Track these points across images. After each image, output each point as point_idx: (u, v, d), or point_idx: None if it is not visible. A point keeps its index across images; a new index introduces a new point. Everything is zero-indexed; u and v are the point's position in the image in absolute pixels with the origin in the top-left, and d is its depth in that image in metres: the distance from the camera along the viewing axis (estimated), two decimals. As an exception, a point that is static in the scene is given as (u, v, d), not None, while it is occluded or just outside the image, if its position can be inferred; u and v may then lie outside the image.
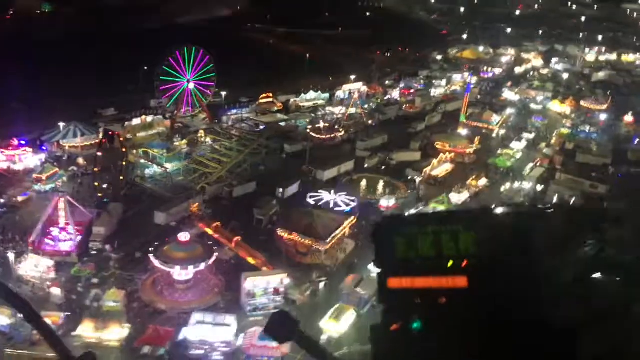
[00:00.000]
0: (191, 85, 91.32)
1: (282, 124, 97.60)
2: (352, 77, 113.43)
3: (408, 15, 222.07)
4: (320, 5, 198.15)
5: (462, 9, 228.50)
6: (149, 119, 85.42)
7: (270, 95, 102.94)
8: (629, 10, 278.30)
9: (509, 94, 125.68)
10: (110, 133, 69.78)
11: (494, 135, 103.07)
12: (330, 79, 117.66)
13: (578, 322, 2.43)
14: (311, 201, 70.25)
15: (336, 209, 69.72)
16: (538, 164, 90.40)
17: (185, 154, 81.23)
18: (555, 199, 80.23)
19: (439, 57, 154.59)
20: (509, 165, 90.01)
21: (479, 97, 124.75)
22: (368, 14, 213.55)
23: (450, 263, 2.64)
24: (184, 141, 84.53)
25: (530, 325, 2.42)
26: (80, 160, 73.34)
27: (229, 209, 69.74)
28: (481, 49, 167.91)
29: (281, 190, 72.50)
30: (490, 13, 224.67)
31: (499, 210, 2.83)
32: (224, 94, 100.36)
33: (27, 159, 71.58)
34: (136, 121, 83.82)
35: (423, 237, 2.75)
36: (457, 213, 3.03)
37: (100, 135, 74.66)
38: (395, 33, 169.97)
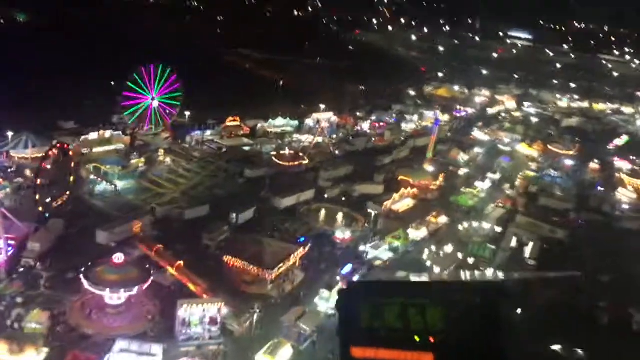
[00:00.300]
0: (155, 103, 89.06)
1: (246, 148, 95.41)
2: (322, 106, 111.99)
3: (388, 51, 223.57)
4: (302, 35, 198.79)
5: (441, 48, 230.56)
6: (107, 134, 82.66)
7: (237, 118, 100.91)
8: (604, 61, 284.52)
9: (479, 134, 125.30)
10: (60, 145, 66.83)
11: (460, 173, 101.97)
12: (302, 106, 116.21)
13: None
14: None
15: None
16: (500, 205, 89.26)
17: (140, 173, 78.37)
18: (513, 242, 78.90)
19: (412, 93, 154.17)
20: (470, 204, 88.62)
21: (449, 134, 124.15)
22: (351, 47, 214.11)
23: (417, 338, 2.58)
24: (142, 159, 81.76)
25: None
26: (28, 172, 70.04)
27: (178, 232, 67.00)
28: (456, 88, 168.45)
29: (234, 215, 69.95)
30: (469, 55, 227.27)
31: (467, 283, 2.38)
32: (188, 113, 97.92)
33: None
34: (93, 135, 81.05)
35: (389, 308, 2.68)
36: (425, 285, 2.50)
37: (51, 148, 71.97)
38: (373, 67, 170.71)
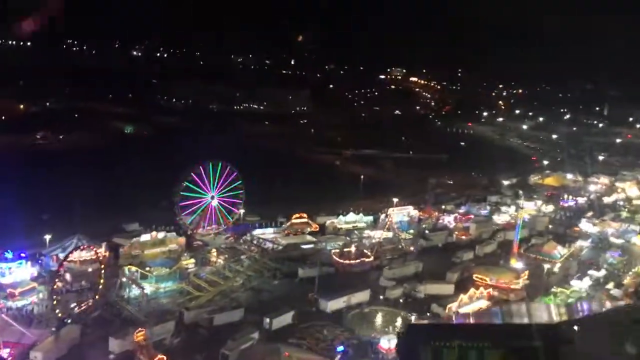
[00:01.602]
0: (214, 202, 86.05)
1: (307, 246, 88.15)
2: (395, 199, 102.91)
3: (500, 141, 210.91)
4: (403, 131, 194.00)
5: (554, 136, 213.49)
6: (161, 235, 79.90)
7: (304, 215, 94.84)
8: None
9: (585, 225, 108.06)
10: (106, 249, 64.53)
11: (555, 270, 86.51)
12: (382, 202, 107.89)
13: None
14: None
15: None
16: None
17: (185, 275, 73.68)
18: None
19: (511, 182, 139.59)
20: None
21: (550, 226, 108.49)
22: (462, 143, 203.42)
23: None
24: (191, 260, 77.57)
25: None
26: (68, 276, 67.87)
27: (203, 340, 60.18)
28: (569, 176, 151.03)
29: (267, 320, 62.02)
30: (589, 142, 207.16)
31: (527, 326, 2.28)
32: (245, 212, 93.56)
33: (17, 271, 67.36)
34: (145, 237, 78.49)
35: (449, 351, 2.31)
36: (485, 327, 2.42)
37: (101, 250, 70.32)
38: (477, 158, 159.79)
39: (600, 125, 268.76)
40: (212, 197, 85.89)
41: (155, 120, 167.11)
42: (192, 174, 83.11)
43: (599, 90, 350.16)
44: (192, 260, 77.81)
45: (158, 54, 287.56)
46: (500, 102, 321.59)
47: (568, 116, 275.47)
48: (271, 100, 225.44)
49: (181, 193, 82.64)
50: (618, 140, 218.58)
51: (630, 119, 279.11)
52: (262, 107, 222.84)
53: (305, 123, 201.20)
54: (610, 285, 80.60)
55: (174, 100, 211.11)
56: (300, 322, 64.65)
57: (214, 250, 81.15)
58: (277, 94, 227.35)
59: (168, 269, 72.89)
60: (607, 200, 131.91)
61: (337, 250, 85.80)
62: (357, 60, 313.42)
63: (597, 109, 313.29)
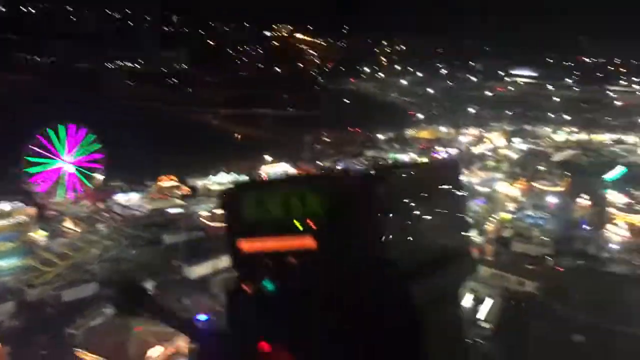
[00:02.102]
0: (70, 168, 78.54)
1: (175, 210, 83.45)
2: (268, 157, 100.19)
3: (379, 97, 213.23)
4: (285, 88, 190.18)
5: (431, 91, 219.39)
6: (5, 206, 71.76)
7: (173, 177, 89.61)
8: (609, 91, 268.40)
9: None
10: None
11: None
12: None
13: (413, 271, 2.58)
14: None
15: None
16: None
17: (34, 249, 66.76)
18: (468, 301, 64.28)
19: (388, 137, 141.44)
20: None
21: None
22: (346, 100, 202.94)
23: (298, 224, 2.59)
24: (43, 232, 70.46)
25: (374, 281, 2.51)
26: None
27: (49, 319, 54.61)
28: (443, 129, 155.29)
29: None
30: (463, 96, 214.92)
31: (348, 172, 2.94)
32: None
33: None
34: (-13, 209, 70.25)
35: (272, 200, 2.64)
36: (307, 176, 3.27)
37: None
38: (359, 113, 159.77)
39: (474, 79, 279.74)
40: (67, 162, 78.29)
41: (12, 80, 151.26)
42: (43, 137, 74.88)
43: (475, 46, 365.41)
44: (44, 233, 70.68)
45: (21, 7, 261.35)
46: (383, 58, 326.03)
47: (445, 71, 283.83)
48: (148, 58, 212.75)
49: (31, 159, 74.47)
50: (488, 94, 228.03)
51: (501, 72, 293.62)
52: (138, 66, 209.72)
53: (183, 81, 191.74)
54: (473, 233, 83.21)
55: (38, 58, 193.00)
56: (162, 292, 60.70)
57: (69, 220, 74.26)
58: (153, 52, 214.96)
59: (12, 243, 65.62)
60: (475, 150, 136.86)
61: (208, 214, 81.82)
62: (241, 16, 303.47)
63: (472, 63, 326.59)
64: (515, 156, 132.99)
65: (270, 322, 2.57)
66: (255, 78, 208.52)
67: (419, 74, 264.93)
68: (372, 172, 2.76)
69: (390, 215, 2.49)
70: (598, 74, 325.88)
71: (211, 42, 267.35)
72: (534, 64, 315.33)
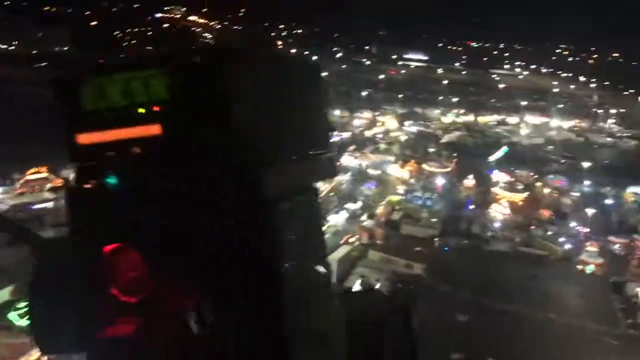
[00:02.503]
0: None
1: (42, 205, 76.16)
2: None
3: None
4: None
5: (326, 74, 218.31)
6: None
7: (42, 169, 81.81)
8: (494, 75, 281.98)
9: (347, 159, 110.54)
10: None
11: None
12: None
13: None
14: None
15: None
16: (350, 241, 73.86)
17: None
18: (357, 286, 63.55)
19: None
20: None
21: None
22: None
23: (142, 110, 2.18)
24: None
25: (222, 168, 2.13)
26: None
27: None
28: (337, 112, 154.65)
29: (-26, 301, 50.78)
30: (358, 79, 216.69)
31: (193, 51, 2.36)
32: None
33: None
34: None
35: (111, 86, 2.21)
36: (150, 55, 2.49)
37: None
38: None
39: (368, 62, 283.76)
40: None
41: None
42: None
43: (370, 30, 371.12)
44: None
45: None
46: (279, 42, 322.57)
47: (340, 55, 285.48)
48: (23, 38, 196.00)
49: None
50: (381, 77, 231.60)
51: (394, 56, 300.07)
52: (10, 47, 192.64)
53: (60, 64, 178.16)
54: (364, 217, 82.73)
55: None
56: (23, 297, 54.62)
57: None
58: (31, 31, 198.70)
59: None
60: (368, 133, 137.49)
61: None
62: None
63: (367, 47, 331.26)
64: (406, 138, 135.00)
65: (115, 220, 2.17)
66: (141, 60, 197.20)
67: (314, 58, 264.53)
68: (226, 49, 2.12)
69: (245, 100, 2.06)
70: (484, 58, 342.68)
71: (95, 23, 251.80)
72: (425, 48, 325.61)
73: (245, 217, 2.09)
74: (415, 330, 2.68)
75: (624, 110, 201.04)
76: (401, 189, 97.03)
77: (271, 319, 2.16)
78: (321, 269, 2.42)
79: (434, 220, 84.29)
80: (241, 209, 2.09)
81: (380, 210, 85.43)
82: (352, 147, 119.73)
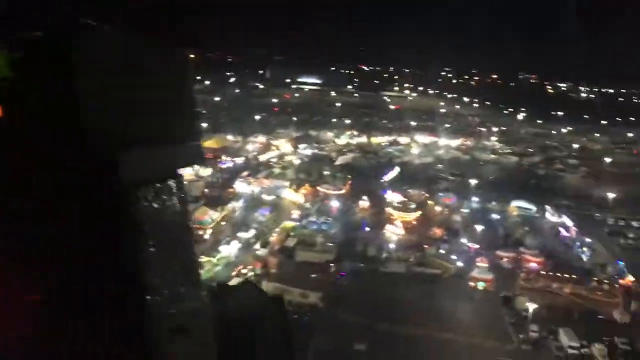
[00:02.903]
0: None
1: None
2: None
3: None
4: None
5: (217, 99, 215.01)
6: None
7: None
8: (385, 97, 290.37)
9: (240, 185, 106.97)
10: None
11: (205, 237, 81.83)
12: None
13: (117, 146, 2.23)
14: None
15: None
16: (242, 272, 70.23)
17: None
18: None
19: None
20: (208, 277, 68.27)
21: (205, 191, 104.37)
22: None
23: None
24: None
25: (67, 151, 2.17)
26: None
27: None
28: (230, 137, 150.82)
29: None
30: (252, 103, 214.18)
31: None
32: None
33: None
34: None
35: None
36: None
37: None
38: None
39: (262, 87, 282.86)
40: None
41: None
42: None
43: (264, 55, 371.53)
44: None
45: None
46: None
47: (233, 79, 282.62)
48: None
49: None
50: (275, 100, 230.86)
51: (288, 80, 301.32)
52: None
53: None
54: (257, 246, 79.36)
55: None
56: None
57: None
58: None
59: None
60: (262, 158, 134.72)
61: None
62: None
63: (261, 72, 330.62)
64: (300, 162, 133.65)
65: None
66: None
67: (207, 82, 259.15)
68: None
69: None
70: (375, 81, 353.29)
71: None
72: (318, 72, 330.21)
73: (98, 204, 1.98)
74: (289, 320, 2.90)
75: (504, 128, 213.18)
76: (296, 213, 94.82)
77: (132, 315, 2.13)
78: (189, 257, 2.46)
79: (329, 244, 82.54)
80: (91, 195, 1.98)
81: (274, 237, 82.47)
82: (245, 173, 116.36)
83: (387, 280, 73.09)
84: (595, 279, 77.11)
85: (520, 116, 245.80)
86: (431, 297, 69.21)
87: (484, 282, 74.13)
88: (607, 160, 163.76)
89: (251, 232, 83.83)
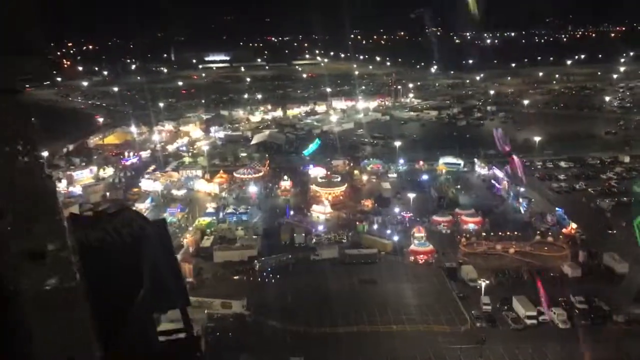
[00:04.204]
0: None
1: None
2: None
3: (62, 104, 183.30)
4: None
5: (120, 89, 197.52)
6: None
7: None
8: (297, 66, 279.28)
9: (146, 184, 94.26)
10: None
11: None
12: None
13: None
14: None
15: None
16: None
17: None
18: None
19: (67, 150, 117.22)
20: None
21: (108, 194, 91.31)
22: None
23: None
24: None
25: None
26: None
27: None
28: (134, 129, 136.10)
29: None
30: (157, 89, 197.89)
31: None
32: None
33: None
34: None
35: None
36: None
37: None
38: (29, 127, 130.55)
39: (166, 70, 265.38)
40: None
41: None
42: None
43: (167, 37, 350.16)
44: None
45: None
46: (65, 60, 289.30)
47: (134, 67, 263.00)
48: None
49: None
50: (181, 83, 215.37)
51: (194, 60, 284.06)
52: None
53: None
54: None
55: None
56: None
57: None
58: None
59: None
60: (170, 148, 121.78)
61: None
62: None
63: (164, 55, 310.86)
64: (213, 146, 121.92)
65: None
66: None
67: (105, 73, 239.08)
68: None
69: None
70: (285, 51, 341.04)
71: None
72: (226, 49, 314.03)
73: None
74: (170, 240, 2.77)
75: (419, 83, 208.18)
76: (212, 206, 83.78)
77: None
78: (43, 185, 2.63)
79: (252, 237, 72.63)
80: None
81: (188, 238, 71.40)
82: (151, 168, 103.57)
83: (319, 269, 64.16)
84: (538, 232, 71.33)
85: (433, 69, 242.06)
86: (371, 284, 61.07)
87: (423, 255, 66.59)
88: (524, 102, 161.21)
89: (161, 237, 72.20)
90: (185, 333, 3.40)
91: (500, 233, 70.46)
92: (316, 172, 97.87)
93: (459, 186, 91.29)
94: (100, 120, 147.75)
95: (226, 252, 67.58)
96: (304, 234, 72.89)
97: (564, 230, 72.22)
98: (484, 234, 70.80)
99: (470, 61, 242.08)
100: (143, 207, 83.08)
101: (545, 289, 56.31)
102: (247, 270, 64.41)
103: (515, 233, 70.14)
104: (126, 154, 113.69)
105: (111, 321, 2.75)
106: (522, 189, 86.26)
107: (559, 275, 61.71)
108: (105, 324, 2.75)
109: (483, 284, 57.26)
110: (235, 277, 63.66)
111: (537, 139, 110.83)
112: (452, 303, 56.81)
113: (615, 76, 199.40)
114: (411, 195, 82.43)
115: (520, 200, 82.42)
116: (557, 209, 77.65)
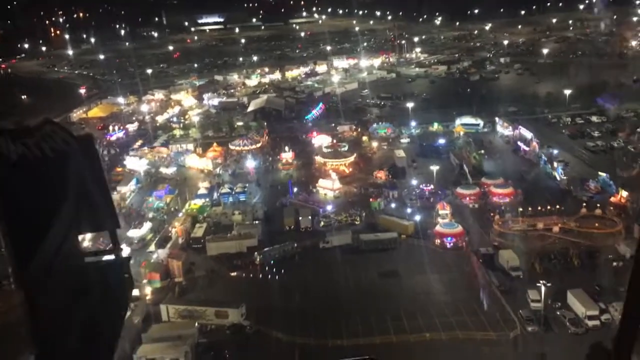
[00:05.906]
0: None
1: None
2: None
3: (47, 75, 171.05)
4: None
5: (107, 57, 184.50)
6: None
7: None
8: (294, 24, 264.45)
9: (132, 161, 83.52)
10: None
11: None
12: None
13: None
14: None
15: None
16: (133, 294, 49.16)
17: None
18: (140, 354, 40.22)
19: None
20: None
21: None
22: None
23: None
24: None
25: None
26: None
27: None
28: (121, 100, 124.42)
29: None
30: (147, 56, 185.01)
31: None
32: None
33: None
34: None
35: None
36: None
37: None
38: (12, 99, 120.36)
39: (156, 35, 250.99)
40: None
41: None
42: None
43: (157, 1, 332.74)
44: None
45: None
46: (53, 29, 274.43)
47: (123, 32, 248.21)
48: None
49: None
50: (171, 48, 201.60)
51: (186, 23, 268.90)
52: None
53: None
54: (153, 247, 57.81)
55: None
56: None
57: None
58: None
59: None
60: (160, 119, 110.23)
61: None
62: None
63: (156, 18, 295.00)
64: (207, 116, 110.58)
65: None
66: None
67: (92, 40, 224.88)
68: None
69: None
70: (281, 9, 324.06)
71: None
72: (219, 10, 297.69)
73: None
74: (98, 158, 2.95)
75: (424, 37, 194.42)
76: (204, 186, 73.05)
77: None
78: None
79: (250, 223, 62.33)
80: None
81: (177, 227, 61.09)
82: (138, 143, 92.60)
83: (330, 261, 53.96)
84: (584, 203, 60.58)
85: (437, 21, 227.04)
86: (393, 277, 50.91)
87: (451, 238, 56.13)
88: (543, 51, 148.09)
89: (146, 227, 61.99)
90: (114, 255, 3.22)
91: (538, 207, 59.75)
92: (321, 140, 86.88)
93: (482, 150, 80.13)
94: (82, 91, 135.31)
95: (221, 242, 57.33)
96: (310, 217, 62.39)
97: (612, 199, 61.49)
98: (520, 209, 59.88)
99: (476, 11, 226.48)
100: (127, 189, 72.70)
101: (601, 276, 46.28)
102: (246, 264, 54.28)
103: (557, 206, 59.41)
104: (111, 128, 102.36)
105: (29, 238, 2.63)
106: (555, 151, 75.32)
107: (614, 257, 51.27)
108: (23, 240, 2.61)
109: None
110: (232, 274, 53.62)
111: (566, 92, 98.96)
112: (493, 299, 46.65)
113: (635, 19, 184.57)
114: (434, 168, 70.93)
115: (555, 164, 71.39)
116: (599, 173, 66.72)
